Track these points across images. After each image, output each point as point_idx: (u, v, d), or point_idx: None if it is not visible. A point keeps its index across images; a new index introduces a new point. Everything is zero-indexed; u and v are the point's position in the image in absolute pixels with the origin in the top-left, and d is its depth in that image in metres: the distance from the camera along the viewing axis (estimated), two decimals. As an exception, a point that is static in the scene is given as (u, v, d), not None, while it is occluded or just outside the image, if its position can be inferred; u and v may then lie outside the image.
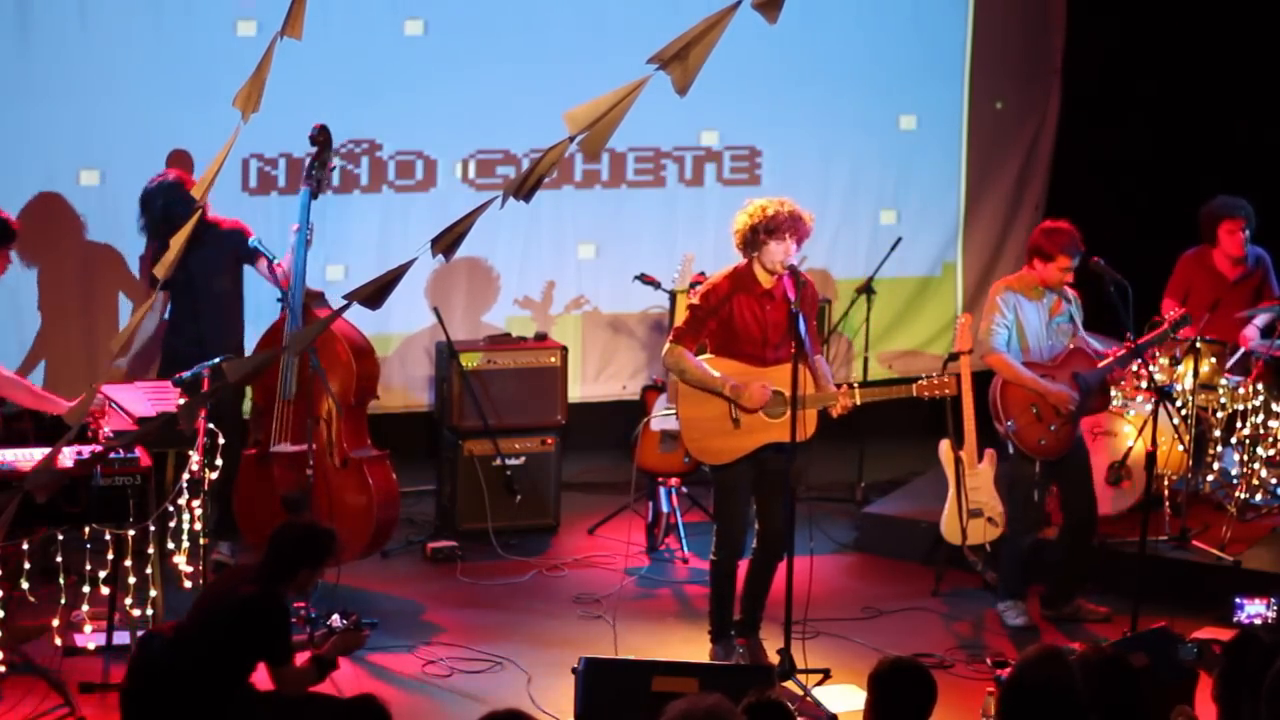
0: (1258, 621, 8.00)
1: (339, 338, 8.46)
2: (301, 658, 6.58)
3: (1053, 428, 8.30)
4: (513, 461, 9.50)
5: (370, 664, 7.78)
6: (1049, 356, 8.38)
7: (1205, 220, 9.68)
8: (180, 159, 9.21)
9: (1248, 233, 9.60)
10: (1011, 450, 8.39)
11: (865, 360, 10.32)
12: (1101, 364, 8.41)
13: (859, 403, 7.65)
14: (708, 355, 7.66)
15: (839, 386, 7.69)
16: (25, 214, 9.27)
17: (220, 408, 8.05)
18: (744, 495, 7.72)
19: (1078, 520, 8.50)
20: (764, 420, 7.61)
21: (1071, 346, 8.44)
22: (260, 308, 8.79)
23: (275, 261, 8.32)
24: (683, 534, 9.32)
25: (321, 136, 8.44)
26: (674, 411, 7.79)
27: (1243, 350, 9.39)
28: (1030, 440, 8.32)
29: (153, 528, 7.38)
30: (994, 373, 8.41)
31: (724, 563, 7.80)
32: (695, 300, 7.69)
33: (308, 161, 8.46)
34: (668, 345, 7.68)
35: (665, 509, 9.35)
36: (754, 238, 7.54)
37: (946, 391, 7.82)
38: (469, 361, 9.46)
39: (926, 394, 7.79)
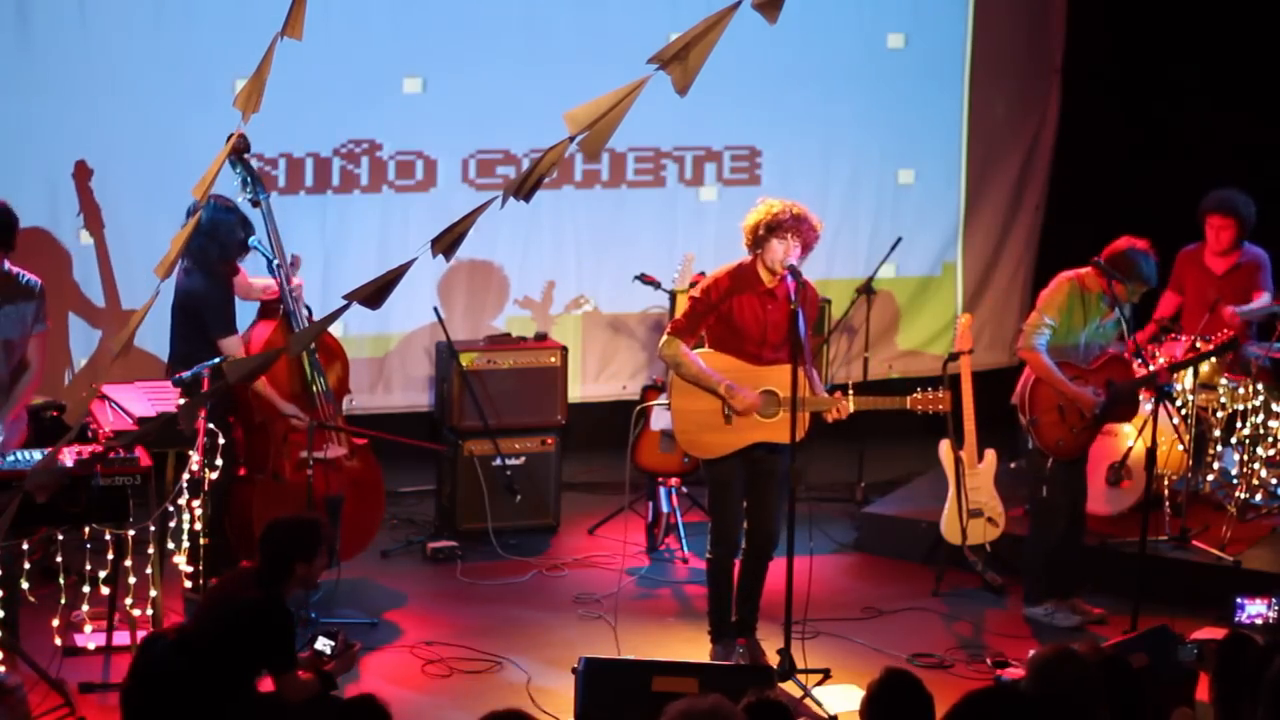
0: (1258, 622, 8.00)
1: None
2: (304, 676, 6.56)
3: (1074, 430, 8.29)
4: (513, 461, 9.49)
5: (370, 664, 7.78)
6: (1087, 359, 8.33)
7: (1198, 214, 9.67)
8: None
9: (1237, 230, 9.54)
10: (1030, 445, 8.39)
11: (865, 360, 10.32)
12: (1138, 375, 8.38)
13: (853, 409, 7.66)
14: (705, 349, 7.67)
15: (835, 390, 7.71)
16: (25, 216, 9.29)
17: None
18: (738, 492, 7.73)
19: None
20: (756, 419, 7.62)
21: (1112, 353, 8.40)
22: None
23: (275, 262, 8.31)
24: (682, 534, 9.32)
25: (240, 143, 8.16)
26: (667, 402, 7.81)
27: (1240, 343, 9.31)
28: (1049, 439, 8.31)
29: (153, 528, 7.39)
30: (1009, 369, 8.41)
31: (719, 560, 7.80)
32: (696, 294, 7.70)
33: (246, 180, 8.27)
34: (665, 338, 7.68)
35: (665, 509, 9.36)
36: (757, 235, 7.57)
37: (940, 408, 7.84)
38: (469, 361, 9.46)
39: (920, 408, 7.81)
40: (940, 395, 7.83)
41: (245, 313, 8.58)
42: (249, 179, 8.27)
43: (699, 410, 7.64)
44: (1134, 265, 8.20)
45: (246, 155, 8.28)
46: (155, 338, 9.07)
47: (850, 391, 7.71)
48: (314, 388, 8.33)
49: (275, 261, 8.27)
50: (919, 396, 7.81)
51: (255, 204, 8.29)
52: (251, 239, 8.34)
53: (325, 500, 8.21)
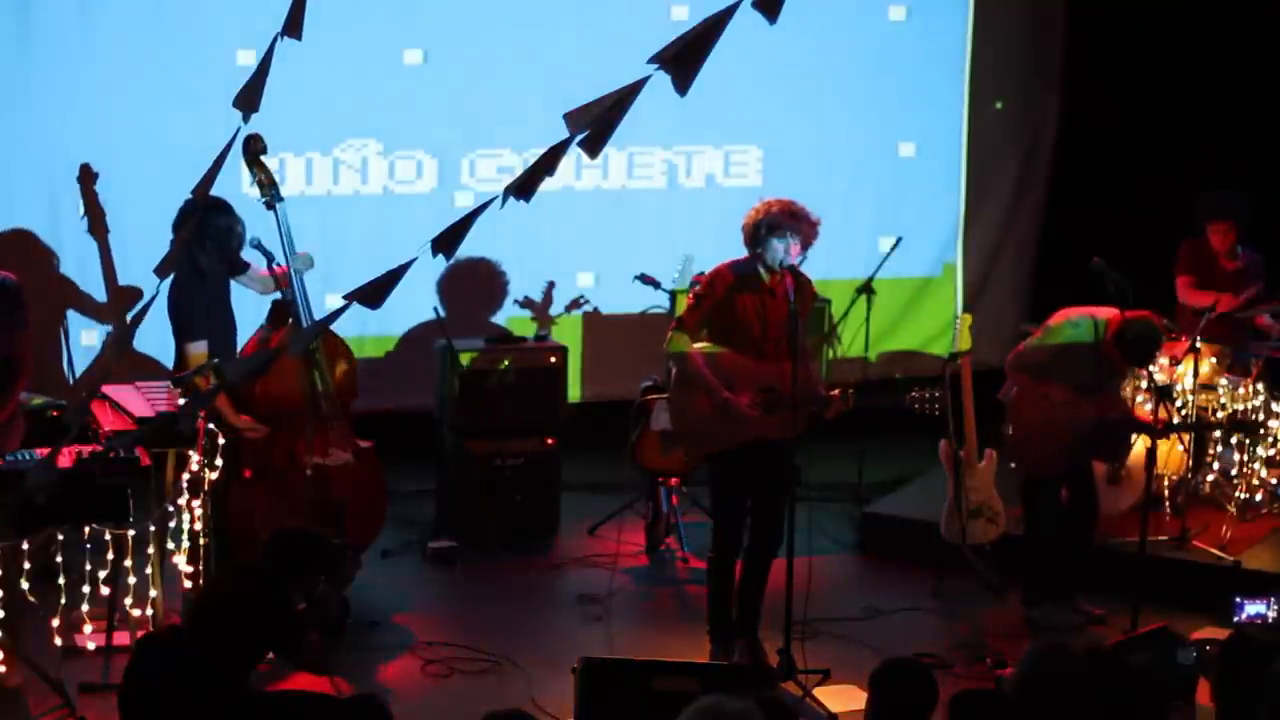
0: (1258, 621, 8.00)
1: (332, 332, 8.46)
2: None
3: (1050, 450, 8.27)
4: (513, 461, 9.49)
5: (370, 664, 7.78)
6: (1092, 392, 8.31)
7: (1196, 215, 9.68)
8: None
9: (1238, 232, 9.55)
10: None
11: (865, 360, 10.32)
12: (1135, 418, 8.36)
13: (852, 406, 7.66)
14: (704, 344, 7.66)
15: (836, 390, 7.73)
16: (25, 217, 9.31)
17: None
18: (740, 492, 7.73)
19: (1076, 517, 8.49)
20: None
21: (1119, 392, 8.40)
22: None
23: (277, 263, 8.27)
24: (682, 534, 9.32)
25: (257, 145, 8.20)
26: (666, 395, 7.81)
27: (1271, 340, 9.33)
28: (1015, 450, 8.32)
29: (153, 528, 7.39)
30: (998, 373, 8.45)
31: (720, 560, 7.81)
32: (700, 289, 7.69)
33: (258, 179, 8.24)
34: (670, 334, 7.68)
35: (665, 509, 9.35)
36: (757, 234, 7.57)
37: (935, 410, 7.81)
38: (469, 361, 9.45)
39: (917, 408, 7.80)
40: (936, 396, 7.82)
41: (254, 314, 8.55)
42: (265, 182, 8.24)
43: (698, 404, 7.64)
44: (1149, 354, 8.14)
45: (264, 158, 8.26)
46: (157, 338, 9.07)
47: (851, 391, 7.71)
48: (318, 387, 8.29)
49: (275, 261, 8.23)
50: (916, 395, 7.81)
51: (270, 206, 8.25)
52: (251, 239, 8.28)
53: (337, 504, 8.19)
